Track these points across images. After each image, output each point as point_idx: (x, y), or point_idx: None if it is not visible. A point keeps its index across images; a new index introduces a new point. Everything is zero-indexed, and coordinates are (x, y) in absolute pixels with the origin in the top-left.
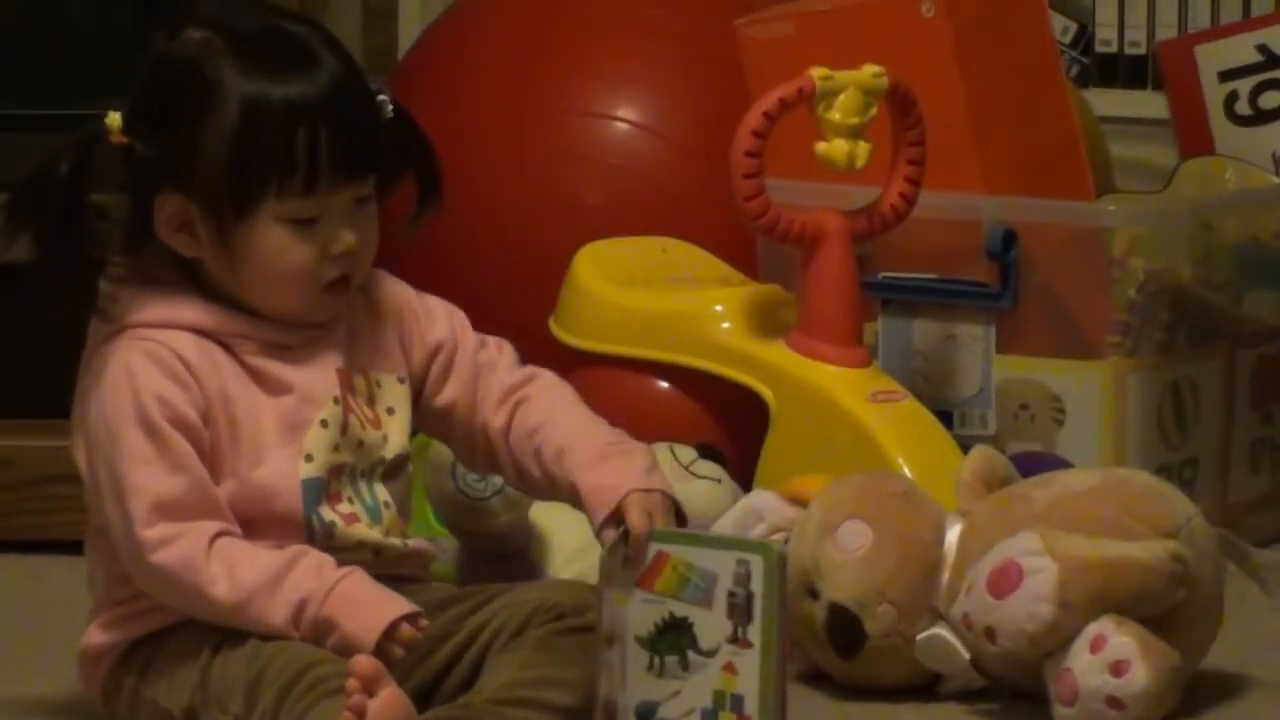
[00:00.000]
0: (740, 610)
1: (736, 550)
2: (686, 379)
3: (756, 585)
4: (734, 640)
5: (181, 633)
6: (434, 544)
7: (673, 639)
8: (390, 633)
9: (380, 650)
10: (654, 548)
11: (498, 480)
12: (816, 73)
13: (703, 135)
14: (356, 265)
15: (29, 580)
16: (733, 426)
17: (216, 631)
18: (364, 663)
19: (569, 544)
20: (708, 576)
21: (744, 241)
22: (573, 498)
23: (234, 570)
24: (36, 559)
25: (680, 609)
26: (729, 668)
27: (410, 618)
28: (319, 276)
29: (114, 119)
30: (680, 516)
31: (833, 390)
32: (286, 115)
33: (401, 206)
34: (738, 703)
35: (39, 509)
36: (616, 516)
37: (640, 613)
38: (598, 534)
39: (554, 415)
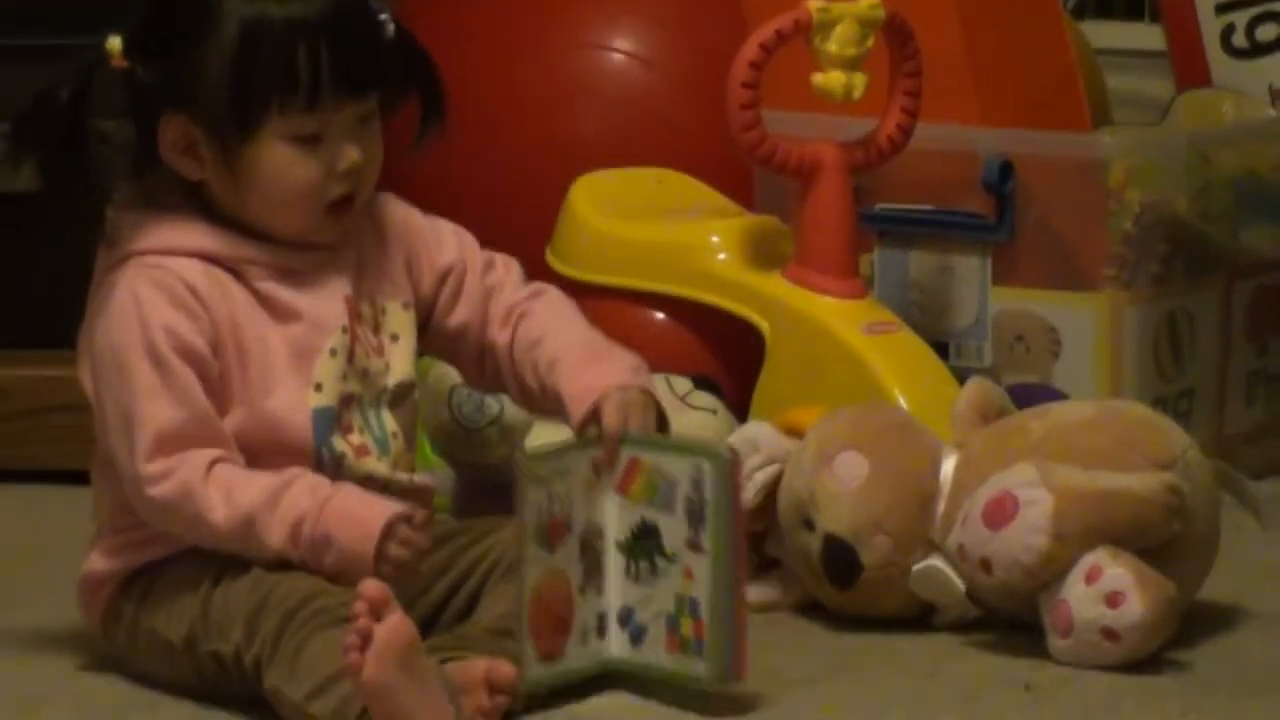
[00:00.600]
0: (696, 515)
1: (692, 455)
2: (682, 310)
3: (708, 491)
4: (692, 546)
5: (182, 562)
6: (429, 473)
7: (645, 544)
8: (387, 534)
9: (380, 554)
10: (628, 454)
11: (494, 410)
12: (813, 4)
13: (699, 67)
14: (361, 183)
15: (27, 511)
16: (729, 358)
17: (217, 561)
18: (371, 587)
19: None
20: (670, 481)
21: (740, 173)
22: (559, 405)
23: (231, 495)
24: (35, 489)
25: (650, 514)
26: (687, 573)
27: (405, 517)
28: (324, 194)
29: (114, 44)
30: (662, 416)
31: (829, 321)
32: (286, 32)
33: (405, 131)
34: (694, 607)
35: (37, 439)
36: (595, 416)
37: (618, 518)
38: (577, 436)
39: (551, 329)
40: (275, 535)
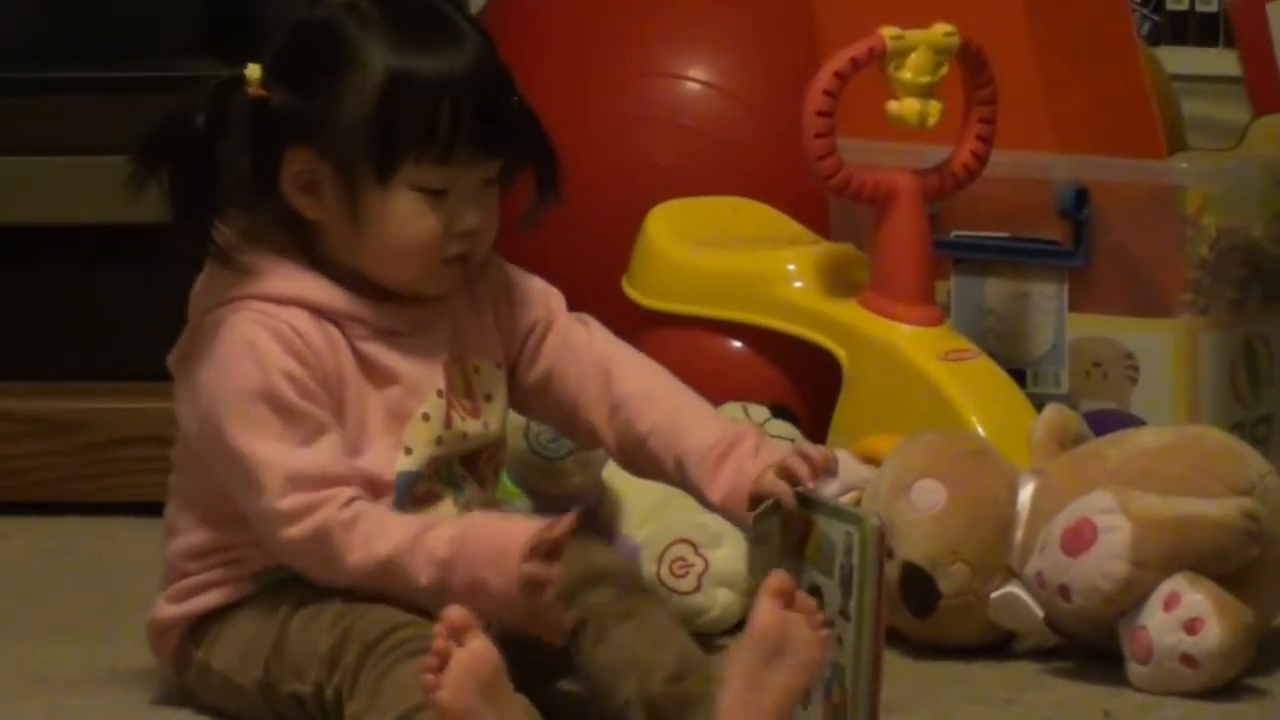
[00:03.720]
0: (847, 582)
1: (846, 521)
2: (759, 338)
3: (855, 558)
4: (842, 613)
5: (250, 607)
6: (507, 505)
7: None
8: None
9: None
10: (801, 514)
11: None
12: (888, 32)
13: (774, 94)
14: (477, 245)
15: (104, 543)
16: (806, 386)
17: (288, 601)
18: (455, 613)
19: (642, 504)
20: (830, 545)
21: (816, 201)
22: (706, 505)
23: (369, 540)
24: (113, 520)
25: (817, 577)
26: (839, 639)
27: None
28: (441, 250)
29: (254, 71)
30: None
31: (905, 349)
32: (434, 83)
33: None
34: (840, 675)
35: (113, 471)
36: (758, 501)
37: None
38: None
39: (658, 421)
40: (422, 576)
